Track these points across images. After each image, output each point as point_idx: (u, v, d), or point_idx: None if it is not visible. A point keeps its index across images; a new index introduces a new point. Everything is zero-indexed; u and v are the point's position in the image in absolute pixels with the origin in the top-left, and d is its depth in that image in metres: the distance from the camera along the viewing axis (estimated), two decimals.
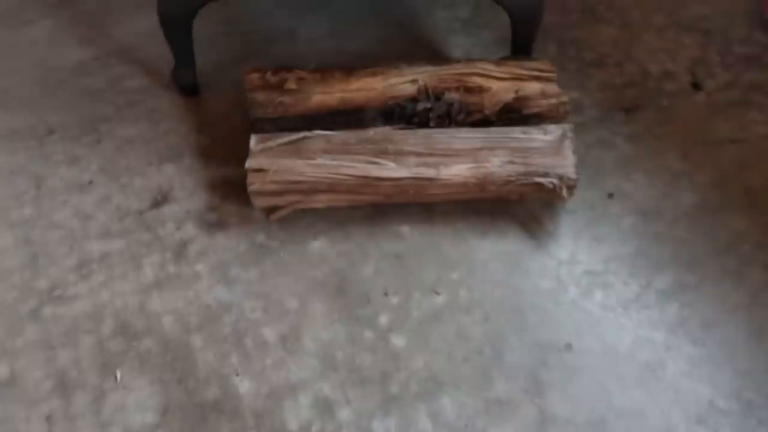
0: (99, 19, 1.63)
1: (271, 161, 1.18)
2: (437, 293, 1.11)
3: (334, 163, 1.18)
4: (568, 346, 1.04)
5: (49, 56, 1.55)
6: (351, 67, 1.33)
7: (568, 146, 1.20)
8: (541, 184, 1.17)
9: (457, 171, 1.18)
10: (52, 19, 1.63)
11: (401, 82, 1.30)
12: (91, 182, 1.28)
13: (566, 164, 1.18)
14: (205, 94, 1.45)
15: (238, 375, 0.99)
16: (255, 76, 1.31)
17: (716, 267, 1.15)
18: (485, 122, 1.29)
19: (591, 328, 1.07)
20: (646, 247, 1.17)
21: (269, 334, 1.05)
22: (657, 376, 1.01)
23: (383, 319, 1.07)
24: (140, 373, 0.99)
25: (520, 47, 1.41)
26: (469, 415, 0.95)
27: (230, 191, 1.25)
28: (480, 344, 1.04)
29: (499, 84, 1.30)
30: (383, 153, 1.20)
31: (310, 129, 1.24)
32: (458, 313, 1.08)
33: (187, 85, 1.44)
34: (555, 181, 1.16)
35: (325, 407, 0.96)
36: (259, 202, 1.20)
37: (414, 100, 1.29)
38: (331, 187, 1.18)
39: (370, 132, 1.25)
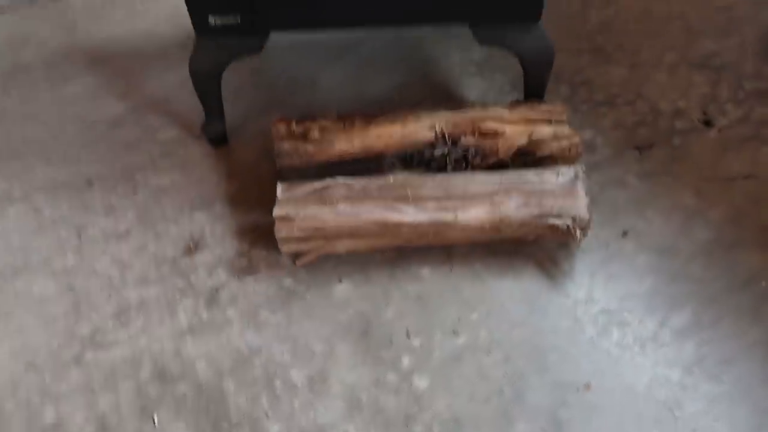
0: (134, 75, 1.73)
1: (296, 209, 1.24)
2: (457, 334, 1.15)
3: (356, 209, 1.24)
4: (587, 386, 1.07)
5: (88, 111, 1.65)
6: (371, 114, 1.40)
7: (580, 187, 1.24)
8: (555, 226, 1.21)
9: (474, 214, 1.22)
10: (90, 76, 1.73)
11: (419, 129, 1.36)
12: (128, 231, 1.36)
13: (579, 205, 1.22)
14: (234, 142, 1.53)
15: (268, 418, 1.04)
16: (281, 126, 1.38)
17: (733, 304, 1.17)
18: (501, 165, 1.34)
19: (609, 367, 1.09)
20: (662, 285, 1.20)
21: (297, 376, 1.10)
22: (675, 415, 1.03)
23: (406, 361, 1.11)
24: (177, 417, 1.05)
25: (533, 91, 1.46)
26: None
27: (259, 237, 1.32)
28: (500, 384, 1.08)
29: (513, 128, 1.36)
30: (402, 198, 1.25)
31: (333, 176, 1.30)
32: (479, 354, 1.12)
33: (216, 135, 1.52)
34: (568, 222, 1.20)
35: None
36: (287, 248, 1.26)
37: (431, 145, 1.35)
38: (354, 233, 1.24)
39: (390, 178, 1.30)
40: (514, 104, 1.42)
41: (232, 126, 1.54)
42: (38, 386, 1.10)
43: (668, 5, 1.76)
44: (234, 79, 1.58)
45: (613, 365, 1.09)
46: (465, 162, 1.34)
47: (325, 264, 1.26)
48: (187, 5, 1.28)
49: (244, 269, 1.27)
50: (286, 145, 1.36)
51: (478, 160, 1.35)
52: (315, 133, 1.37)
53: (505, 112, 1.38)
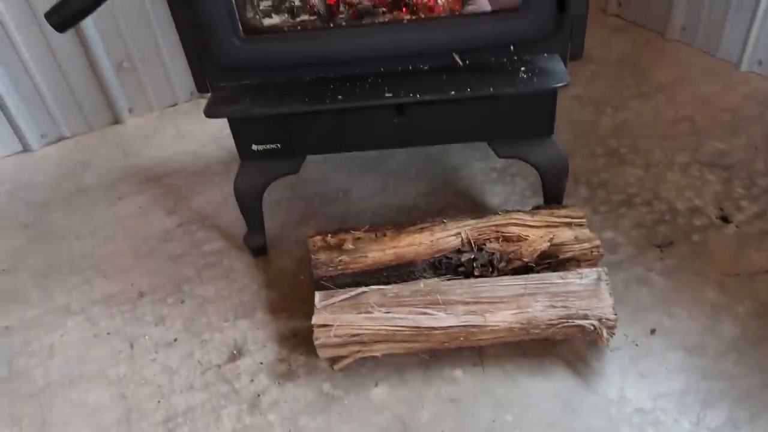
0: (181, 192, 1.90)
1: (334, 316, 1.32)
2: None
3: (390, 315, 1.31)
4: None
5: (140, 227, 1.80)
6: (400, 224, 1.50)
7: (604, 288, 1.30)
8: (582, 326, 1.25)
9: (503, 317, 1.28)
10: (143, 195, 1.90)
11: (446, 236, 1.45)
12: (176, 340, 1.45)
13: (604, 306, 1.27)
14: (273, 252, 1.65)
15: None
16: (317, 239, 1.49)
17: None
18: (526, 268, 1.41)
19: None
20: (694, 383, 1.22)
21: None
22: None
23: None
24: None
25: (552, 196, 1.55)
26: None
27: (298, 343, 1.39)
28: None
29: (535, 232, 1.44)
30: (433, 303, 1.32)
31: (367, 284, 1.39)
32: None
33: (257, 247, 1.64)
34: (595, 323, 1.25)
35: None
36: (324, 353, 1.32)
37: (459, 251, 1.43)
38: (388, 338, 1.30)
39: (421, 284, 1.38)
40: (535, 210, 1.51)
41: (271, 236, 1.66)
42: None
43: (676, 109, 1.88)
44: (273, 193, 1.72)
45: None
46: (491, 267, 1.42)
47: (362, 367, 1.32)
48: (233, 136, 1.44)
49: (285, 374, 1.34)
50: (322, 257, 1.46)
51: (503, 265, 1.42)
52: (349, 244, 1.47)
53: (527, 218, 1.47)
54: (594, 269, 1.34)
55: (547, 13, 1.29)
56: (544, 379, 1.26)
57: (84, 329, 1.49)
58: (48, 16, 1.33)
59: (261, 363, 1.37)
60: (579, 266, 1.38)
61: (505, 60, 1.37)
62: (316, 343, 1.29)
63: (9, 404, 1.34)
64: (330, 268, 1.46)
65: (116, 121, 2.29)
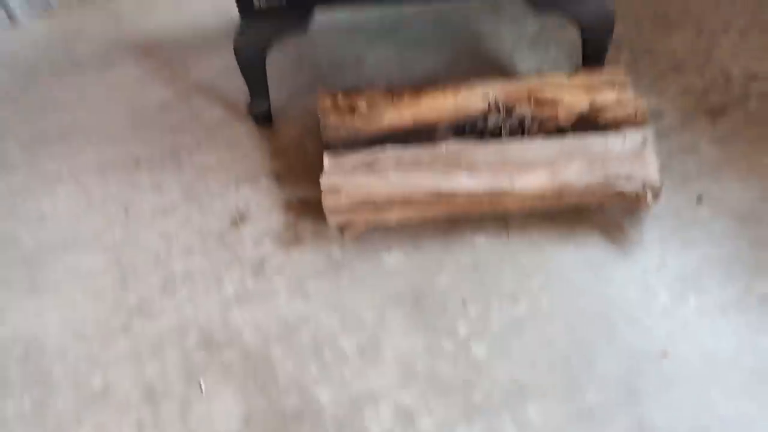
0: (179, 62, 1.74)
1: (345, 179, 1.19)
2: (517, 302, 1.07)
3: (407, 178, 1.18)
4: (664, 353, 0.97)
5: (136, 96, 1.65)
6: (420, 86, 1.34)
7: (649, 151, 1.16)
8: (622, 192, 1.12)
9: (533, 181, 1.15)
10: (139, 65, 1.75)
11: (472, 99, 1.30)
12: (174, 206, 1.34)
13: (649, 169, 1.13)
14: (279, 122, 1.50)
15: (318, 384, 0.99)
16: (327, 100, 1.34)
17: None
18: (561, 133, 1.27)
19: (687, 334, 1.00)
20: (744, 251, 1.10)
21: (347, 345, 1.04)
22: (765, 383, 0.92)
23: (462, 329, 1.04)
24: (223, 384, 1.00)
25: (592, 59, 1.38)
26: (558, 424, 0.90)
27: (305, 210, 1.28)
28: (566, 353, 0.99)
29: (572, 95, 1.28)
30: (456, 166, 1.19)
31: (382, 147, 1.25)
32: (540, 322, 1.04)
33: (261, 114, 1.49)
34: (638, 187, 1.11)
35: (406, 417, 0.93)
36: (334, 219, 1.21)
37: (485, 115, 1.29)
38: (405, 202, 1.18)
39: (443, 147, 1.25)
40: (573, 72, 1.35)
41: (277, 106, 1.51)
42: (86, 354, 1.08)
43: None
44: (279, 62, 1.57)
45: (692, 332, 0.99)
46: (522, 130, 1.27)
47: (374, 235, 1.21)
48: None
49: (291, 241, 1.23)
50: (333, 119, 1.32)
51: (535, 128, 1.28)
52: (362, 107, 1.32)
53: (563, 80, 1.31)
54: (639, 131, 1.19)
55: None
56: (575, 248, 1.15)
57: (76, 195, 1.38)
58: None
59: (265, 230, 1.26)
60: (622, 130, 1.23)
61: None
62: (325, 206, 1.18)
63: None
64: (341, 132, 1.32)
65: None
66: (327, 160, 1.24)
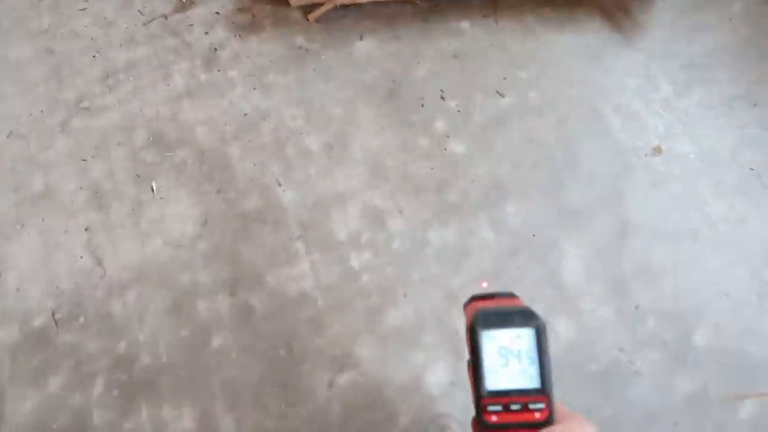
0: None
1: None
2: (502, 95, 0.96)
3: None
4: (657, 149, 0.89)
5: None
6: None
7: None
8: None
9: None
10: None
11: None
12: None
13: None
14: None
15: (280, 185, 0.91)
16: None
17: None
18: None
19: (686, 129, 0.90)
20: (762, 36, 0.96)
21: (312, 142, 0.94)
22: (763, 182, 0.86)
23: (440, 125, 0.94)
24: (177, 185, 0.92)
25: None
26: (537, 224, 0.84)
27: None
28: (552, 149, 0.90)
29: None
30: None
31: None
32: (527, 116, 0.93)
33: None
34: None
35: (375, 218, 0.87)
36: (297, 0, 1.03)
37: None
38: None
39: None
40: None
41: None
42: (23, 154, 0.97)
43: None
44: None
45: (692, 127, 0.90)
46: None
47: (344, 18, 1.04)
48: None
49: (247, 26, 1.06)
50: None
51: None
52: None
53: None
54: None
55: None
56: (573, 34, 1.00)
57: None
58: None
59: (217, 13, 1.08)
60: None
61: None
62: None
63: None
64: None
65: None
66: None
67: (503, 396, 0.36)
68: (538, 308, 0.74)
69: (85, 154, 0.96)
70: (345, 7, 1.03)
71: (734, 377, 0.74)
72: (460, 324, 0.77)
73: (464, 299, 0.37)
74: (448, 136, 0.93)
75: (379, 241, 0.85)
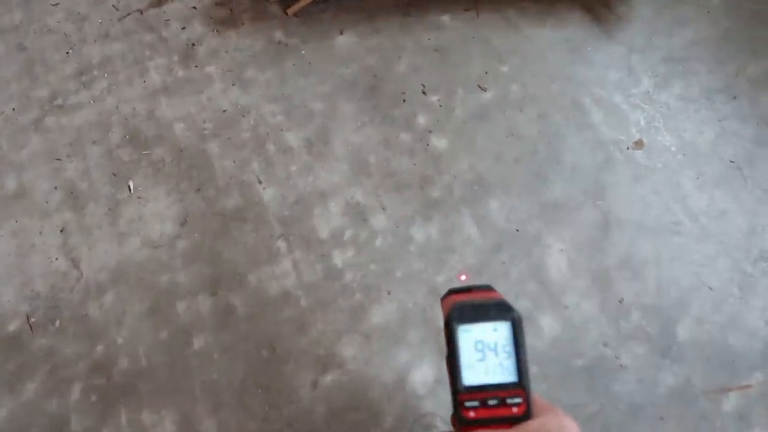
0: None
1: None
2: (484, 89, 0.95)
3: None
4: (638, 143, 0.89)
5: None
6: None
7: None
8: None
9: None
10: None
11: None
12: None
13: None
14: None
15: (261, 182, 0.89)
16: None
17: None
18: None
19: (667, 122, 0.91)
20: (740, 29, 0.97)
21: (293, 139, 0.93)
22: (744, 174, 0.86)
23: (421, 120, 0.93)
24: (155, 183, 0.90)
25: None
26: (520, 219, 0.84)
27: None
28: (534, 144, 0.90)
29: None
30: None
31: None
32: (509, 111, 0.93)
33: None
34: None
35: (358, 215, 0.86)
36: None
37: None
38: None
39: None
40: None
41: None
42: None
43: None
44: None
45: (672, 120, 0.90)
46: None
47: (323, 13, 1.03)
48: None
49: (225, 21, 1.04)
50: None
51: None
52: None
53: None
54: None
55: None
56: (554, 28, 1.00)
57: None
58: None
59: (194, 7, 1.06)
60: None
61: None
62: None
63: None
64: None
65: None
66: None
67: (480, 391, 0.36)
68: (522, 304, 0.74)
69: (60, 153, 0.94)
70: (324, 1, 1.02)
71: (718, 370, 0.74)
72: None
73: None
74: (430, 131, 0.92)
75: (361, 238, 0.84)
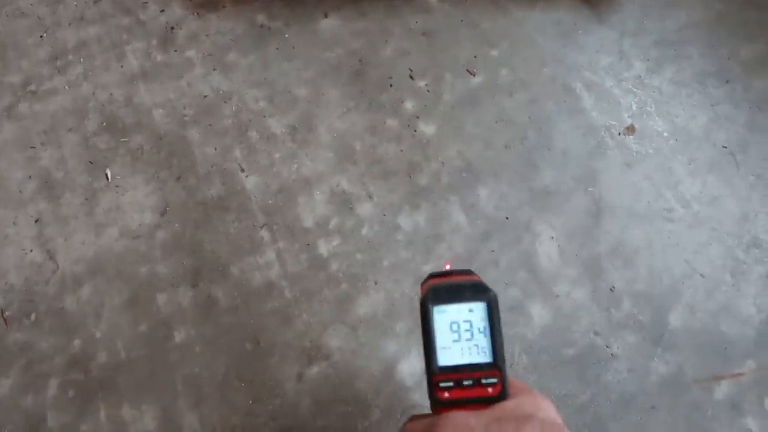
0: None
1: None
2: (473, 74, 0.93)
3: None
4: (630, 128, 0.87)
5: None
6: None
7: None
8: None
9: None
10: None
11: None
12: None
13: None
14: None
15: (243, 170, 0.86)
16: None
17: None
18: None
19: (659, 107, 0.89)
20: (733, 12, 0.95)
21: (276, 125, 0.90)
22: (737, 159, 0.85)
23: (409, 105, 0.91)
24: (133, 172, 0.87)
25: None
26: (510, 207, 0.82)
27: None
28: (524, 130, 0.88)
29: None
30: None
31: None
32: (498, 96, 0.91)
33: None
34: None
35: (343, 202, 0.83)
36: None
37: None
38: None
39: None
40: None
41: None
42: None
43: None
44: None
45: (665, 105, 0.89)
46: None
47: None
48: None
49: (205, 4, 1.01)
50: None
51: None
52: None
53: None
54: None
55: None
56: (545, 11, 0.97)
57: None
58: None
59: None
60: None
61: None
62: None
63: None
64: None
65: None
66: None
67: (455, 372, 0.36)
68: (512, 293, 0.72)
69: (34, 141, 0.90)
70: None
71: (710, 358, 0.73)
72: None
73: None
74: (417, 117, 0.89)
75: (347, 227, 0.82)
